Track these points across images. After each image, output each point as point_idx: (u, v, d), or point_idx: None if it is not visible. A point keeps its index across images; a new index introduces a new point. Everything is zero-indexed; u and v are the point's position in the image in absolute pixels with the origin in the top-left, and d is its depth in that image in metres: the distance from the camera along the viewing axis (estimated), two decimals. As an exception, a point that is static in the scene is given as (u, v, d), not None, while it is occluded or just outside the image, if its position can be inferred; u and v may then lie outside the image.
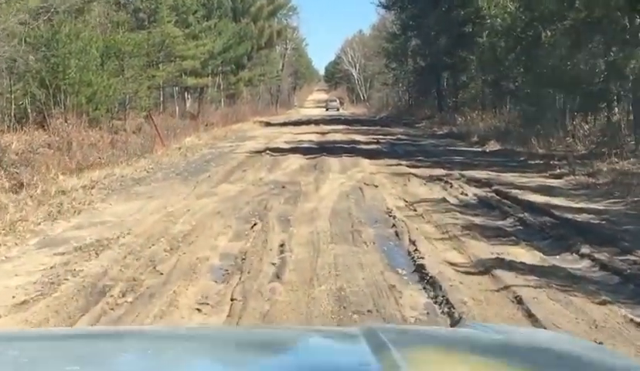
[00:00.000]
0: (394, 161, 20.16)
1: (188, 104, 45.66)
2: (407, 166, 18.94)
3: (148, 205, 13.38)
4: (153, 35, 32.88)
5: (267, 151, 23.60)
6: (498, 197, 13.46)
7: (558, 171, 17.32)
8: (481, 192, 14.14)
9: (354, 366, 1.73)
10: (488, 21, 30.30)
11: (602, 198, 13.21)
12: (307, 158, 21.35)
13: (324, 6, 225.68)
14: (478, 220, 11.24)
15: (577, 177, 16.11)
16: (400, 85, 64.41)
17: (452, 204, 12.81)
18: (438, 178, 16.20)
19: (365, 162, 20.08)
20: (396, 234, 10.22)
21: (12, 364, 1.70)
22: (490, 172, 17.50)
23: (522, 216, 11.30)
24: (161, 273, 8.24)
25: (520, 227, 10.67)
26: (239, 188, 15.50)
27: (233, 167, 19.66)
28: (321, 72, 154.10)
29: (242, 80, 60.64)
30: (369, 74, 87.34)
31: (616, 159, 18.61)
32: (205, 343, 2.01)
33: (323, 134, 33.25)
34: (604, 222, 10.92)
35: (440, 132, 33.44)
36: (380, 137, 30.36)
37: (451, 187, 14.89)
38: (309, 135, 31.96)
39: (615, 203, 12.53)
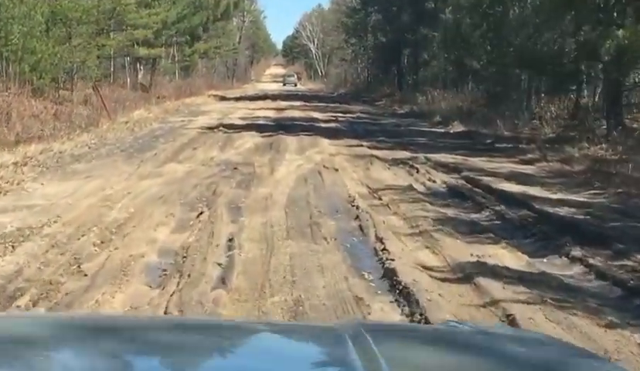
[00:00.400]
0: (355, 142, 18.98)
1: (140, 76, 43.93)
2: (369, 147, 17.77)
3: (84, 186, 12.01)
4: (103, 1, 31.20)
5: (221, 128, 22.25)
6: (469, 185, 12.34)
7: (528, 156, 16.30)
8: (450, 178, 13.01)
9: (337, 363, 1.73)
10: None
11: (581, 188, 12.15)
12: (262, 136, 20.08)
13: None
14: (450, 212, 10.11)
15: (550, 163, 15.09)
16: (359, 61, 63.14)
17: (420, 192, 11.65)
18: (403, 162, 15.04)
19: (325, 142, 18.87)
20: (361, 228, 9.04)
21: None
22: (456, 156, 16.40)
23: (498, 208, 10.19)
24: (86, 275, 6.95)
25: (498, 222, 9.56)
26: (187, 168, 14.18)
27: (183, 144, 18.31)
28: (279, 46, 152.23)
29: (197, 52, 58.88)
30: (327, 49, 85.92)
31: (587, 144, 17.64)
32: (187, 334, 2.00)
33: (280, 110, 31.91)
34: (588, 217, 9.84)
35: (401, 111, 32.30)
36: (339, 115, 29.13)
37: (418, 172, 13.74)
38: (265, 111, 30.61)
39: (596, 195, 11.48)
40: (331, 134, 20.98)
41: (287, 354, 1.85)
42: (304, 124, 24.39)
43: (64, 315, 3.84)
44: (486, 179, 12.77)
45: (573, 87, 21.25)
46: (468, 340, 2.04)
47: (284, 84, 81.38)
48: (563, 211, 10.12)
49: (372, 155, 16.08)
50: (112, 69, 40.60)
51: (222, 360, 1.81)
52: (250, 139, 19.37)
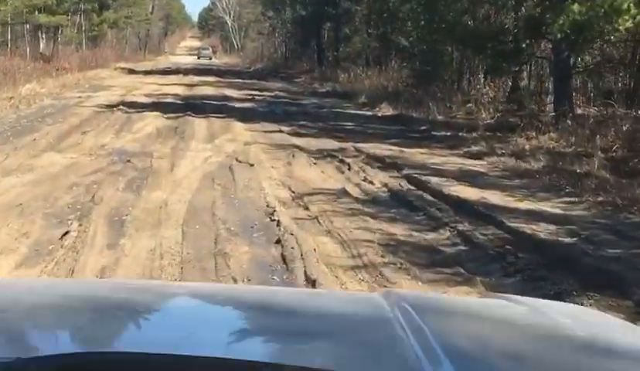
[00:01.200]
0: (274, 127, 16.45)
1: (42, 46, 40.34)
2: (290, 134, 15.29)
3: None
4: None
5: (121, 106, 19.41)
6: (415, 189, 9.93)
7: (474, 148, 14.04)
8: (390, 179, 10.59)
9: (377, 327, 1.72)
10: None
11: (550, 193, 9.89)
12: (167, 118, 17.39)
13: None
14: (399, 232, 7.71)
15: (502, 158, 12.83)
16: (277, 35, 60.36)
17: (357, 200, 9.19)
18: (331, 155, 12.59)
19: (239, 126, 16.31)
20: (284, 259, 6.57)
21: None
22: (391, 147, 14.04)
23: (459, 225, 7.82)
24: None
25: (464, 248, 7.19)
26: (68, 160, 11.45)
27: (72, 127, 15.48)
28: (195, 19, 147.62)
29: (106, 22, 55.27)
30: (244, 23, 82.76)
31: (533, 133, 15.57)
32: (218, 302, 2.01)
33: (191, 86, 29.05)
34: (576, 239, 7.58)
35: (322, 90, 29.79)
36: (256, 93, 26.46)
37: (349, 169, 11.31)
38: (175, 87, 27.73)
39: (573, 204, 9.23)
40: (247, 116, 18.40)
41: (330, 319, 1.85)
42: (217, 103, 21.70)
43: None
44: (434, 180, 10.42)
45: (516, 69, 19.09)
46: (513, 312, 1.97)
47: (199, 57, 78.11)
48: (541, 229, 7.83)
49: (295, 145, 13.55)
50: (9, 38, 37.09)
51: (278, 323, 1.78)
52: (153, 121, 16.66)
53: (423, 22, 23.16)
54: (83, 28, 52.83)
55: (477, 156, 13.28)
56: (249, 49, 77.58)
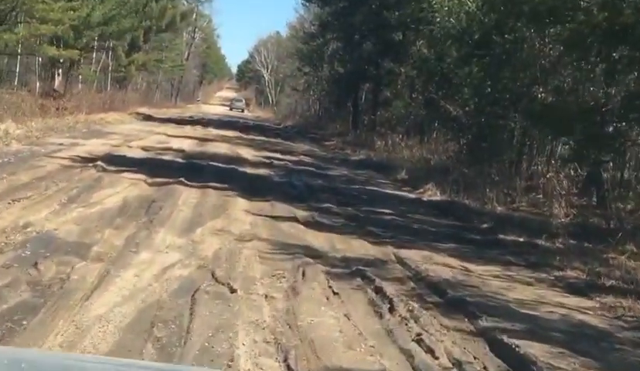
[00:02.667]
0: (286, 209, 11.93)
1: (57, 82, 36.45)
2: (306, 224, 10.77)
3: None
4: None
5: (101, 162, 15.00)
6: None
7: (569, 272, 9.43)
8: (462, 346, 5.91)
9: None
10: (438, 22, 22.21)
11: None
12: (150, 184, 12.96)
13: (242, 3, 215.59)
14: None
15: (618, 298, 8.23)
16: (312, 92, 56.36)
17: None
18: (362, 274, 7.95)
19: (239, 205, 11.82)
20: None
21: None
22: (449, 259, 9.48)
23: None
24: None
25: None
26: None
27: (9, 189, 11.03)
28: (235, 70, 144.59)
29: (134, 63, 51.61)
30: (280, 77, 79.10)
31: (633, 246, 11.03)
32: None
33: (204, 141, 24.70)
34: None
35: (355, 158, 25.31)
36: (277, 156, 22.03)
37: (391, 311, 6.66)
38: (184, 141, 23.41)
39: None
40: (256, 189, 13.92)
41: None
42: (224, 167, 17.24)
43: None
44: (535, 353, 5.82)
45: (607, 158, 14.45)
46: None
47: (231, 109, 74.60)
48: None
49: (309, 249, 8.98)
50: (17, 70, 33.26)
51: None
52: (127, 188, 12.22)
53: (482, 89, 18.76)
54: (110, 67, 49.38)
55: (578, 288, 8.65)
56: (283, 105, 73.77)
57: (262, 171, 17.44)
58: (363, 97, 39.82)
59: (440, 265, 8.98)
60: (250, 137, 30.03)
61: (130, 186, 12.38)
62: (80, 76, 34.71)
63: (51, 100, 33.63)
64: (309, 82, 54.01)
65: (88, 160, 15.21)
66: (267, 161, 19.85)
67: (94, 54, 39.96)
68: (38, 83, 34.31)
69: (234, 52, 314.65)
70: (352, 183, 17.33)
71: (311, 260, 8.29)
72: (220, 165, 17.39)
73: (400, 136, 29.39)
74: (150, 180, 13.26)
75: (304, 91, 57.07)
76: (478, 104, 19.64)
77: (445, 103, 23.92)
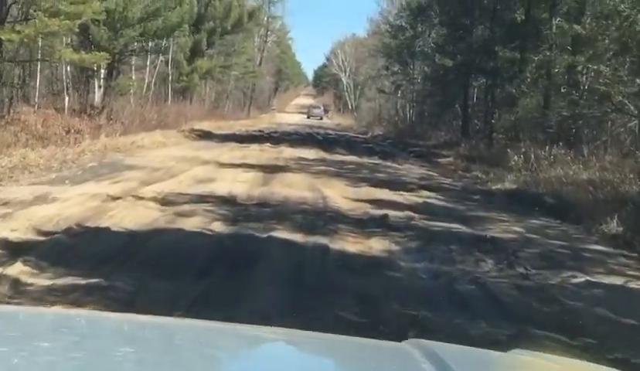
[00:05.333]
0: None
1: (98, 95, 28.48)
2: None
3: None
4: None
5: (30, 261, 6.53)
6: None
7: None
8: None
9: None
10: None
11: None
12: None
13: (319, 6, 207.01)
14: None
15: None
16: (399, 94, 47.39)
17: None
18: None
19: None
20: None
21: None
22: None
23: None
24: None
25: None
26: None
27: None
28: (311, 76, 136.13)
29: (197, 71, 43.68)
30: (360, 80, 70.35)
31: None
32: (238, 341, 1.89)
33: (272, 171, 15.79)
34: None
35: (499, 186, 16.21)
36: (386, 193, 13.02)
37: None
38: (241, 173, 14.67)
39: None
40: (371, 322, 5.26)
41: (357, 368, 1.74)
42: (301, 243, 8.33)
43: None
44: None
45: None
46: (543, 368, 1.92)
47: (308, 117, 66.42)
48: None
49: None
50: (37, 82, 25.42)
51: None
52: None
53: None
54: (170, 77, 41.68)
55: None
56: (364, 110, 65.10)
57: (376, 249, 8.52)
58: (475, 95, 30.74)
59: None
60: (336, 157, 21.32)
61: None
62: (113, 87, 26.48)
63: (84, 119, 25.87)
64: (397, 82, 45.09)
65: (47, 234, 6.82)
66: (376, 212, 10.98)
67: (133, 59, 31.85)
68: (67, 99, 26.37)
69: (310, 58, 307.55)
70: (554, 268, 8.32)
71: None
72: (293, 238, 8.59)
73: (547, 148, 20.33)
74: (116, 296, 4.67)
75: (392, 93, 48.09)
76: None
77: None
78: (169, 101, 40.11)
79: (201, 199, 11.06)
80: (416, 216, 10.86)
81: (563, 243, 9.77)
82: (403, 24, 41.40)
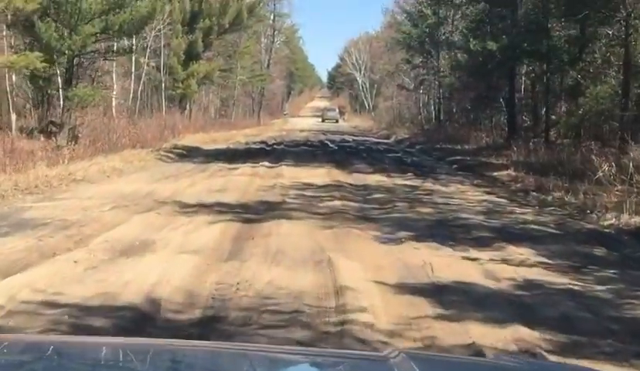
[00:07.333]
0: None
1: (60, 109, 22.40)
2: None
3: None
4: None
5: None
6: None
7: None
8: None
9: None
10: None
11: None
12: None
13: (330, 7, 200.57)
14: None
15: None
16: (422, 90, 41.21)
17: None
18: None
19: None
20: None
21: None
22: None
23: None
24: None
25: None
26: None
27: None
28: (325, 79, 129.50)
29: (194, 76, 37.80)
30: (376, 78, 64.14)
31: None
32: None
33: (252, 221, 9.86)
34: None
35: (611, 222, 10.06)
36: (452, 260, 7.23)
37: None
38: (199, 235, 8.73)
39: None
40: None
41: None
42: None
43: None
44: None
45: None
46: None
47: (323, 120, 60.55)
48: None
49: None
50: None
51: None
52: None
53: None
54: (163, 84, 35.93)
55: None
56: (382, 109, 58.97)
57: None
58: (522, 87, 24.51)
59: None
60: (356, 178, 15.18)
61: None
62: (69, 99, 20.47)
63: (40, 140, 20.20)
64: (420, 76, 38.91)
65: None
66: (451, 339, 4.96)
67: (110, 64, 25.93)
68: (14, 116, 20.39)
69: (324, 60, 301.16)
70: None
71: None
72: None
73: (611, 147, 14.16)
74: None
75: (413, 90, 41.84)
76: None
77: None
78: (163, 111, 34.35)
79: (77, 317, 5.01)
80: (541, 344, 4.75)
81: None
82: (424, 10, 35.25)
